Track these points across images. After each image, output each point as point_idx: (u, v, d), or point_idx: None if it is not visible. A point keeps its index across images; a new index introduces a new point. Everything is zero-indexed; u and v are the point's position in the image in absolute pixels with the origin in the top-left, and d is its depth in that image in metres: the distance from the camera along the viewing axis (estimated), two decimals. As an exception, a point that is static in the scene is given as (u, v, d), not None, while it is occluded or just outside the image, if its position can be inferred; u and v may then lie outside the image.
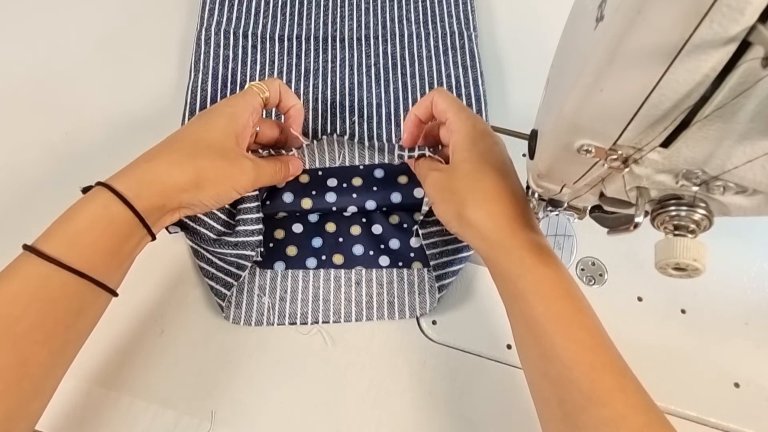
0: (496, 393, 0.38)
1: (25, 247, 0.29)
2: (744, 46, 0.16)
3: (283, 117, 0.42)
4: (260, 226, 0.40)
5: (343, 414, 0.37)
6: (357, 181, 0.42)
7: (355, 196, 0.42)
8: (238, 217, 0.39)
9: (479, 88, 0.49)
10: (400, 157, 0.40)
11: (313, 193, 0.42)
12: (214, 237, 0.39)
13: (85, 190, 0.32)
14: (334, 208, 0.42)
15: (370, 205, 0.42)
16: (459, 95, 0.49)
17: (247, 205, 0.39)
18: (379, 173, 0.43)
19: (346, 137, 0.43)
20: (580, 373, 0.27)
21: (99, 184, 0.31)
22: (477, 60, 0.51)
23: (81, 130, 0.46)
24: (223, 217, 0.39)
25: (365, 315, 0.41)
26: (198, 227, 0.38)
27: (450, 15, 0.54)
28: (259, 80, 0.48)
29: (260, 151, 0.40)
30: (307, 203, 0.41)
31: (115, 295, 0.31)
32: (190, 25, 0.52)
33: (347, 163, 0.43)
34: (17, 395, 0.28)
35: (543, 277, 0.30)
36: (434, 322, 0.41)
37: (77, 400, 0.36)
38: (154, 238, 0.32)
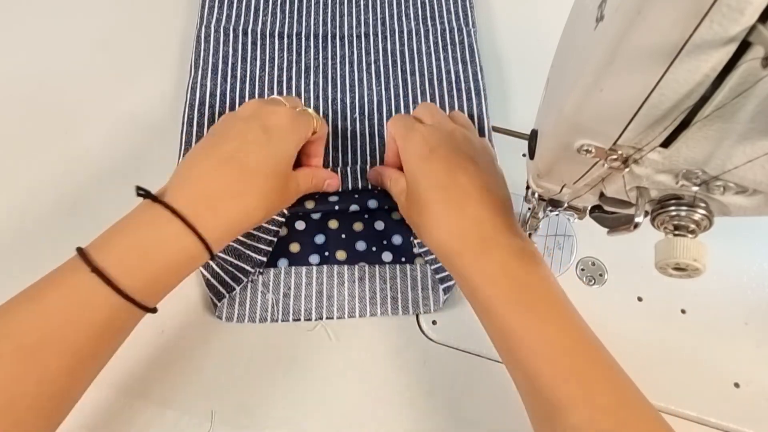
0: (496, 393, 0.38)
1: (93, 269, 0.28)
2: (744, 46, 0.16)
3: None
4: (270, 248, 0.40)
5: (343, 414, 0.37)
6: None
7: (356, 196, 0.42)
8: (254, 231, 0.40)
9: (479, 83, 0.49)
10: None
11: (316, 196, 0.42)
12: None
13: (140, 192, 0.31)
14: (336, 207, 0.42)
15: (372, 203, 0.42)
16: (459, 90, 0.49)
17: (266, 226, 0.40)
18: (372, 203, 0.42)
19: (348, 167, 0.44)
20: (542, 384, 0.29)
21: (175, 214, 0.30)
22: (476, 55, 0.51)
23: (81, 129, 0.46)
24: None
25: (369, 311, 0.41)
26: None
27: (448, 11, 0.54)
28: (260, 76, 0.49)
29: None
30: (309, 204, 0.42)
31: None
32: (189, 25, 0.52)
33: (350, 187, 0.43)
34: (59, 408, 0.29)
35: (499, 292, 0.31)
36: (434, 322, 0.41)
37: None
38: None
